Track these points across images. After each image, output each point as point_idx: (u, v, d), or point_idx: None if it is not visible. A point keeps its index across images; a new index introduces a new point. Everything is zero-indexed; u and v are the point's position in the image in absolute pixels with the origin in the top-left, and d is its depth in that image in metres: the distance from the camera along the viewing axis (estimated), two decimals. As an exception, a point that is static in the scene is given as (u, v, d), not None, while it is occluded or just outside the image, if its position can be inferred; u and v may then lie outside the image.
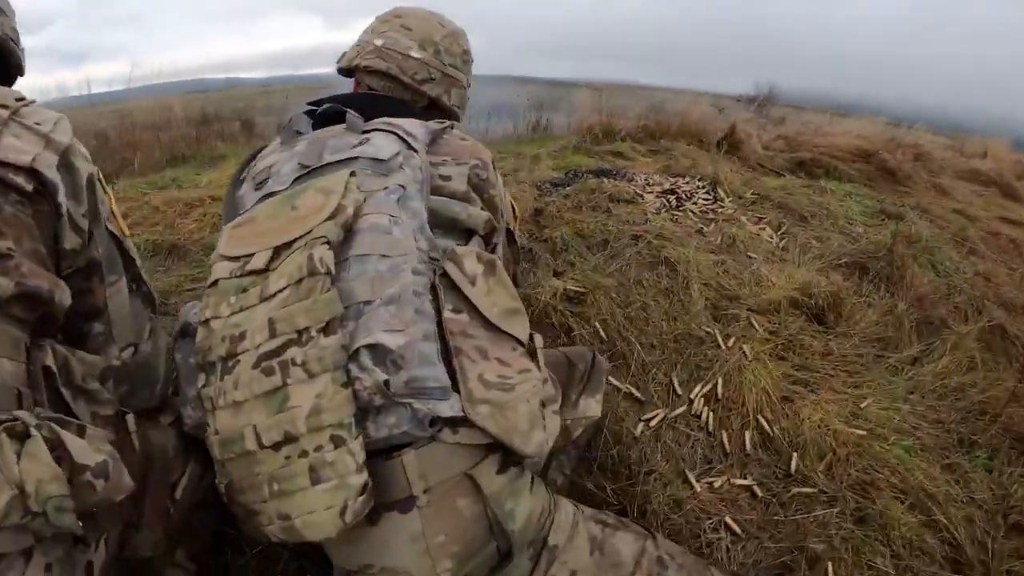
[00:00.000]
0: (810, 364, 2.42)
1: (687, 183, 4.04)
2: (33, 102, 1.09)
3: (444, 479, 1.02)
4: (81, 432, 0.85)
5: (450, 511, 1.02)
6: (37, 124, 1.04)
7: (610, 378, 2.23)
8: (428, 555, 1.00)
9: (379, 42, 1.57)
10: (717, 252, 3.10)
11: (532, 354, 1.17)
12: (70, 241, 1.08)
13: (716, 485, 1.91)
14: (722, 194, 3.90)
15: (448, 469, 1.02)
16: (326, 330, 0.96)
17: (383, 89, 1.59)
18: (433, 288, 1.10)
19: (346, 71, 1.67)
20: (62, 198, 1.05)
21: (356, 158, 1.20)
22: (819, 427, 2.10)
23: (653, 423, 2.11)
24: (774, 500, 1.87)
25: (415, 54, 1.56)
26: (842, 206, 4.25)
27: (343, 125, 1.30)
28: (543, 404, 1.11)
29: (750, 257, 3.12)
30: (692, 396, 2.21)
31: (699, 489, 1.88)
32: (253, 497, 0.99)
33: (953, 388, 2.42)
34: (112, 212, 1.23)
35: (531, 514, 1.11)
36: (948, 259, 3.70)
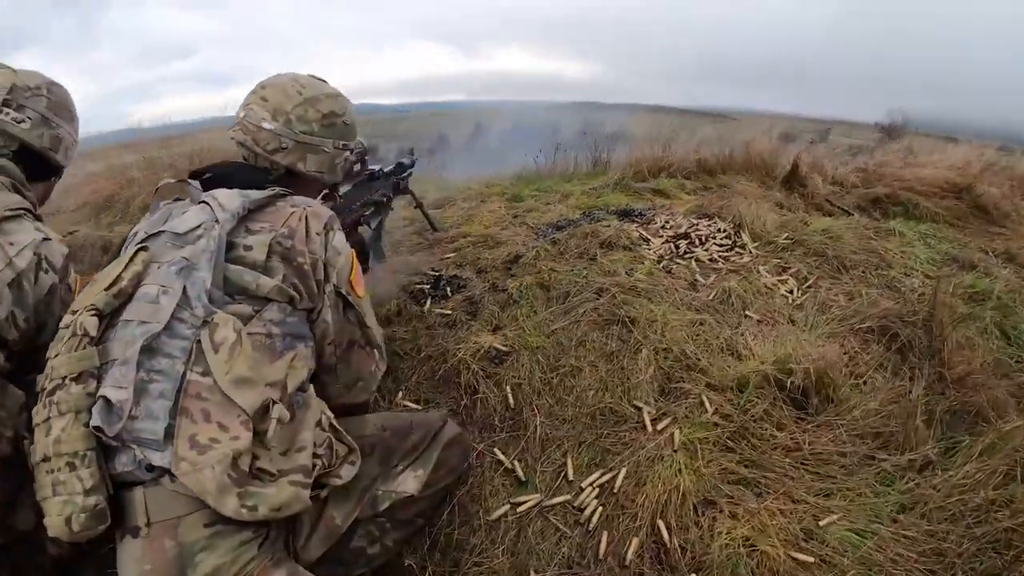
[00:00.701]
0: (765, 460, 1.95)
1: (708, 225, 3.58)
2: (25, 212, 1.58)
3: (162, 518, 1.18)
4: None
5: (159, 547, 1.17)
6: (10, 244, 1.48)
7: (495, 450, 1.95)
8: None
9: (241, 114, 1.63)
10: (700, 310, 2.65)
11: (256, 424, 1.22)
12: (11, 335, 1.48)
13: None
14: (745, 238, 3.41)
15: (167, 511, 1.18)
16: (77, 380, 1.19)
17: (248, 159, 1.66)
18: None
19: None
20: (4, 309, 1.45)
21: (162, 232, 1.39)
22: (739, 546, 1.67)
23: (522, 508, 1.78)
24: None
25: (267, 125, 1.59)
26: (904, 253, 3.58)
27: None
28: (253, 473, 1.19)
29: (746, 316, 2.66)
30: (584, 484, 1.85)
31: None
32: (39, 496, 1.19)
33: (973, 508, 1.79)
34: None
35: (217, 570, 1.18)
36: (1028, 325, 2.98)
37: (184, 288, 1.27)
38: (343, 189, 2.33)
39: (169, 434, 1.18)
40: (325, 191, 1.80)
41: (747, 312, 2.69)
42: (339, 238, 1.50)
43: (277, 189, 1.49)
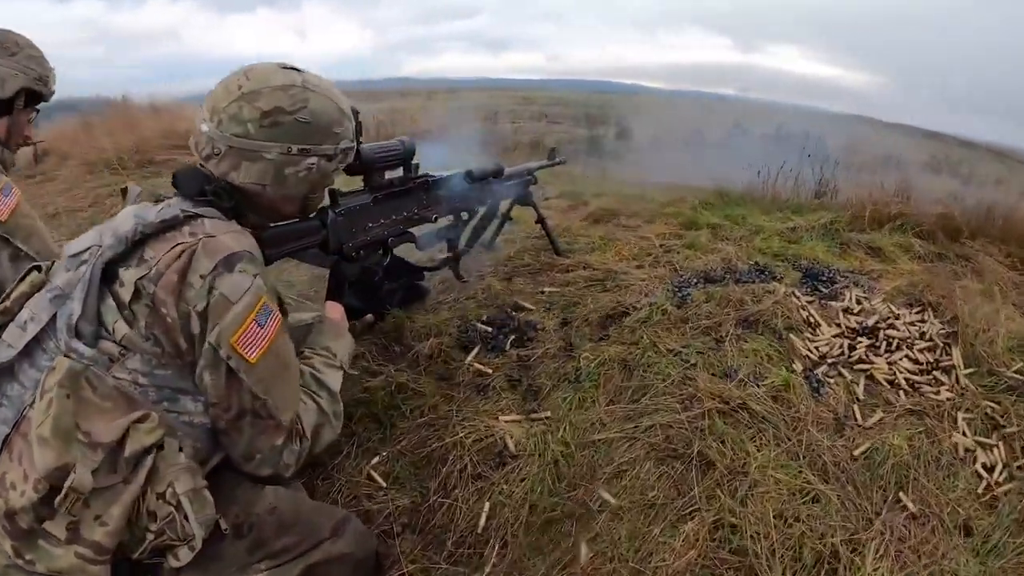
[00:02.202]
0: None
1: (913, 323, 2.53)
2: None
3: None
4: None
5: None
6: None
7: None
8: None
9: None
10: (827, 476, 1.74)
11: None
12: None
13: None
14: (956, 358, 2.34)
15: None
16: None
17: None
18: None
19: None
20: None
21: (78, 253, 1.28)
22: None
23: None
24: None
25: (203, 127, 1.34)
26: None
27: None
28: (37, 532, 1.10)
29: (897, 503, 1.72)
30: None
31: None
32: None
33: None
34: None
35: None
36: None
37: (56, 317, 1.21)
38: (349, 203, 1.82)
39: None
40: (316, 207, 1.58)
41: (901, 496, 1.74)
42: (234, 283, 1.22)
43: (191, 208, 1.29)
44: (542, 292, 2.56)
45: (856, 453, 1.83)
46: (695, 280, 2.74)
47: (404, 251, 2.25)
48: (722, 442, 1.78)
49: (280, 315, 1.31)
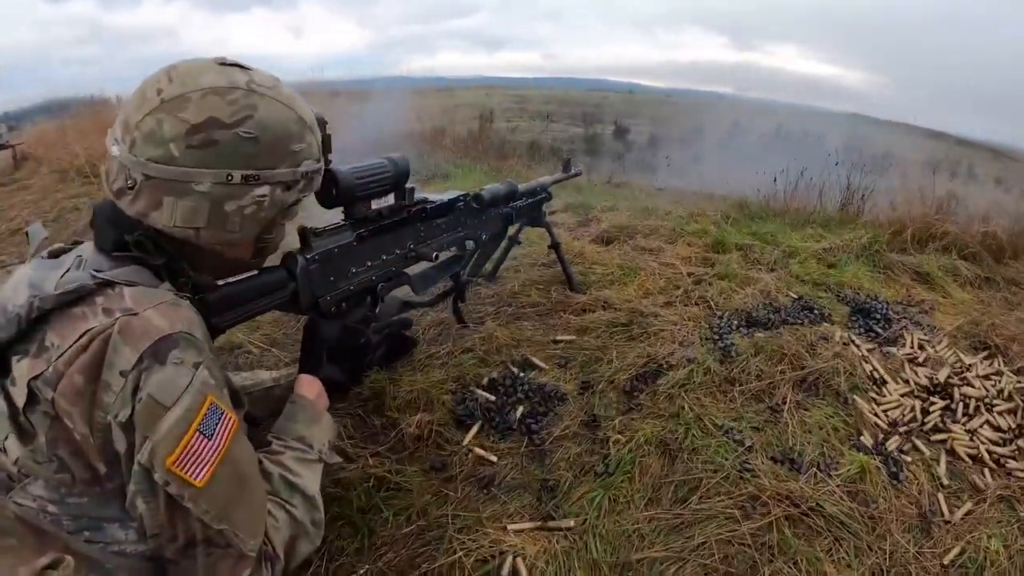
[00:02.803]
0: None
1: (985, 374, 2.12)
2: None
3: None
4: None
5: None
6: None
7: None
8: None
9: None
10: None
11: None
12: None
13: None
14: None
15: None
16: None
17: None
18: None
19: None
20: None
21: None
22: None
23: None
24: None
25: (113, 150, 0.98)
26: None
27: None
28: None
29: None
30: None
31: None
32: None
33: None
34: None
35: None
36: None
37: None
38: (325, 245, 1.37)
39: None
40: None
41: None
42: (167, 380, 0.89)
43: (104, 273, 0.93)
44: (555, 342, 2.11)
45: (946, 561, 1.44)
46: (736, 323, 2.31)
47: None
48: (794, 563, 1.35)
49: (234, 416, 0.96)
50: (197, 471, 0.89)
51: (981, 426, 1.90)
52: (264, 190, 1.01)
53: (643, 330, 2.17)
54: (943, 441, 1.84)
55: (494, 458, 1.59)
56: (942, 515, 1.57)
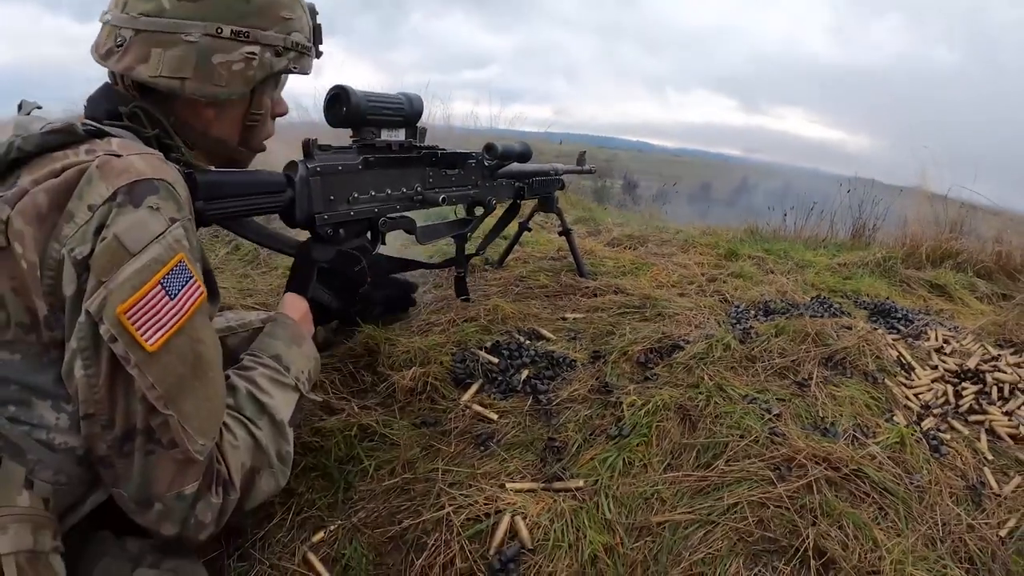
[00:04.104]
0: None
1: (1016, 364, 1.91)
2: None
3: None
4: None
5: None
6: None
7: None
8: None
9: None
10: (978, 561, 1.13)
11: None
12: None
13: None
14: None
15: None
16: None
17: None
18: None
19: None
20: None
21: None
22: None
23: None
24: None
25: (105, 17, 0.95)
26: None
27: None
28: None
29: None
30: None
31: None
32: None
33: None
34: None
35: None
36: None
37: None
38: (329, 160, 1.27)
39: None
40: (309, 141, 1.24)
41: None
42: (137, 223, 0.77)
43: (92, 124, 0.85)
44: (564, 319, 1.91)
45: (1003, 533, 1.25)
46: (752, 313, 2.12)
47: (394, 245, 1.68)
48: (840, 527, 1.13)
49: (203, 288, 0.85)
50: (150, 331, 0.76)
51: (1019, 407, 1.71)
52: (253, 48, 0.98)
53: (657, 313, 1.98)
54: (980, 422, 1.65)
55: (494, 415, 1.39)
56: (990, 488, 1.38)
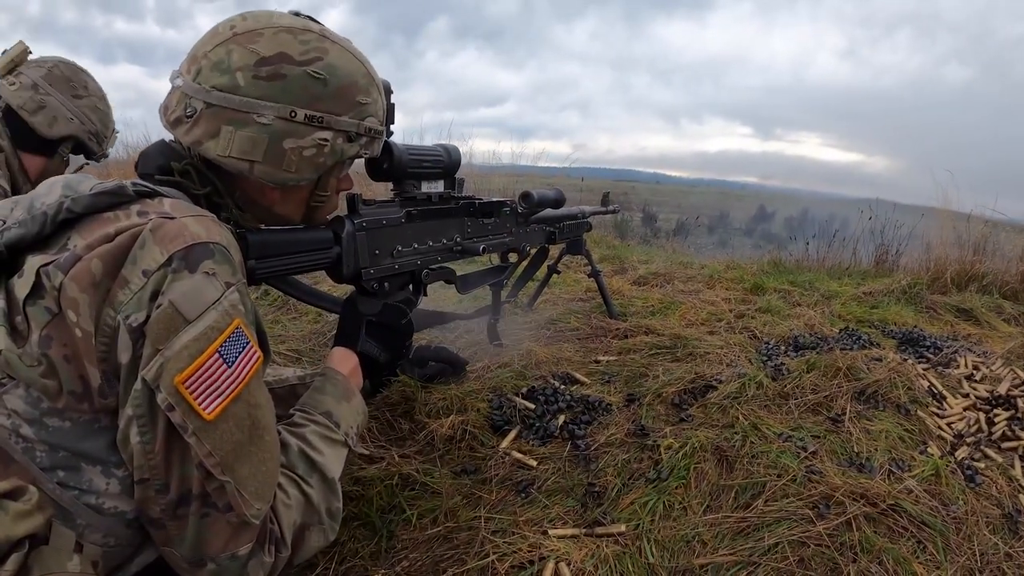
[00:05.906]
0: None
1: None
2: None
3: None
4: None
5: None
6: None
7: None
8: None
9: None
10: None
11: None
12: None
13: None
14: None
15: None
16: None
17: None
18: None
19: None
20: None
21: None
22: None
23: None
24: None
25: (176, 82, 0.91)
26: None
27: None
28: None
29: None
30: None
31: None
32: None
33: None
34: None
35: None
36: None
37: None
38: (374, 214, 1.27)
39: None
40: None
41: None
42: (194, 290, 0.75)
43: (143, 184, 0.82)
44: (597, 361, 1.91)
45: None
46: (783, 349, 2.10)
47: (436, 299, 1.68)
48: (879, 562, 1.10)
49: (260, 352, 0.82)
50: (208, 399, 0.74)
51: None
52: (326, 135, 0.93)
53: (688, 353, 1.97)
54: (1014, 448, 1.62)
55: (533, 462, 1.38)
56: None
